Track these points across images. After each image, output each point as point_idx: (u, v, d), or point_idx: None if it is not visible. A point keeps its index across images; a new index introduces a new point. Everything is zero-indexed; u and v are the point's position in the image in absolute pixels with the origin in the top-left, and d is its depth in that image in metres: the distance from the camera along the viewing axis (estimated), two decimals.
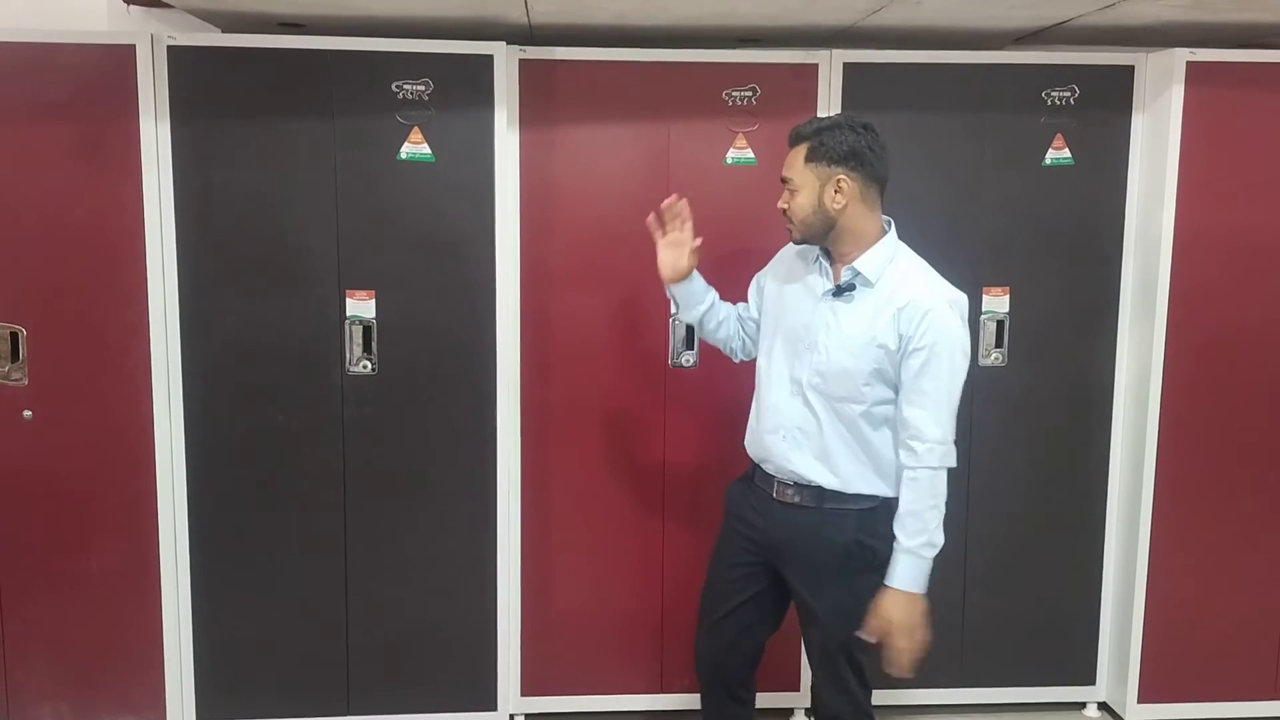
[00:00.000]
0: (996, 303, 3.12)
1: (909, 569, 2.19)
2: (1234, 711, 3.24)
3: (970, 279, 3.10)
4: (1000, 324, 3.12)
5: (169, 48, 2.80)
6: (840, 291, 2.26)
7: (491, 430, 3.01)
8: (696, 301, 2.50)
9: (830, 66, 3.00)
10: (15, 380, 2.89)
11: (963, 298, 2.26)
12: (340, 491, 3.01)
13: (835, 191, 2.22)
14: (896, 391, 2.23)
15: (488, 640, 3.09)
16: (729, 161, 3.02)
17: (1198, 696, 3.23)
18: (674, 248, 2.45)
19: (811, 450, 2.28)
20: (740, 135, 3.02)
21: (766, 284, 2.50)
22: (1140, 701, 3.20)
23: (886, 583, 2.20)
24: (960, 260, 3.09)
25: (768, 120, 3.01)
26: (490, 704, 3.11)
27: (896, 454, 2.24)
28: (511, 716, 3.18)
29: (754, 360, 2.51)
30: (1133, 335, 3.14)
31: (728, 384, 3.05)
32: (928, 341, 2.16)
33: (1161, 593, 3.14)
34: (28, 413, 2.89)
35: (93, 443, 2.93)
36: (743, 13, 2.82)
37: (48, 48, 2.78)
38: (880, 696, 3.24)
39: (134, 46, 2.78)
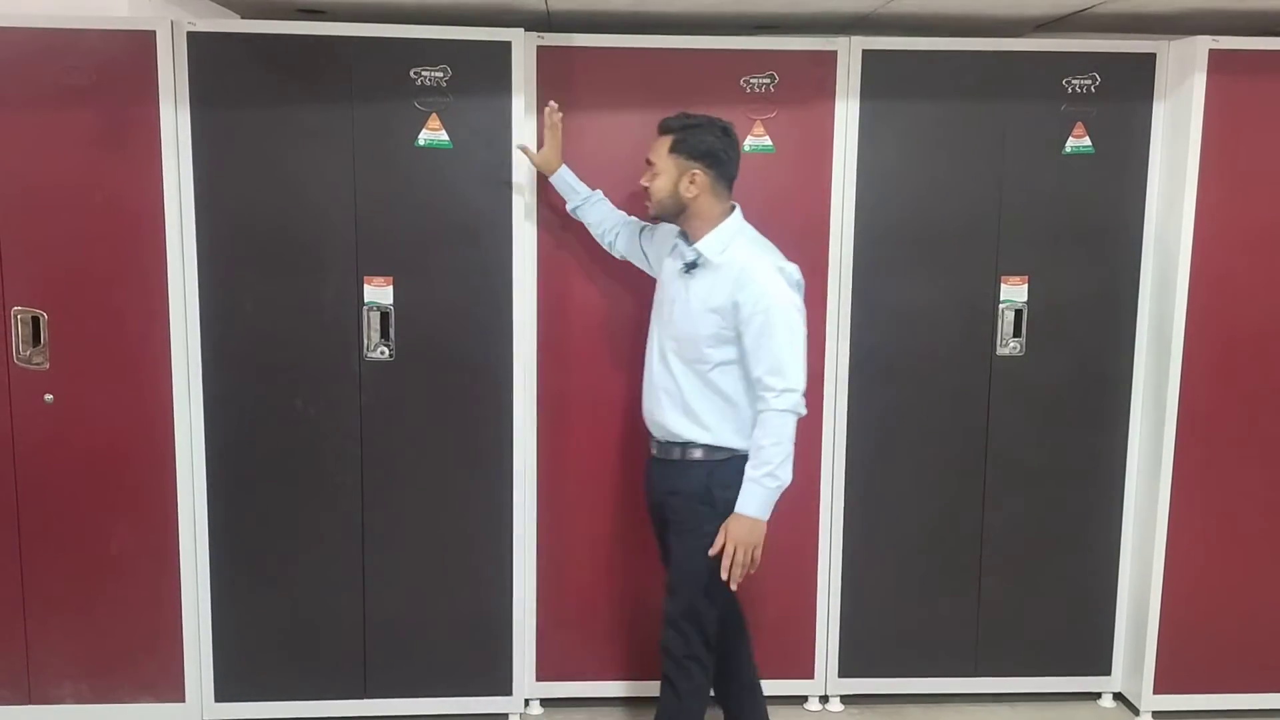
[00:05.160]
0: (1015, 291, 3.11)
1: (752, 495, 2.48)
2: (1249, 703, 3.23)
3: (988, 267, 3.10)
4: (1018, 313, 3.11)
5: (189, 33, 2.82)
6: (689, 268, 2.56)
7: (508, 416, 3.02)
8: (565, 193, 2.93)
9: (849, 54, 2.99)
10: (37, 364, 2.91)
11: (793, 267, 2.56)
12: (358, 476, 3.03)
13: (690, 182, 2.53)
14: (740, 351, 2.51)
15: (503, 624, 3.10)
16: (747, 149, 3.00)
17: (1213, 688, 3.22)
18: (549, 147, 2.90)
19: (677, 407, 2.57)
20: (758, 123, 3.02)
21: (653, 255, 2.83)
22: (1156, 692, 3.19)
23: (736, 508, 2.49)
24: (978, 248, 3.10)
25: (786, 108, 3.00)
26: (505, 688, 3.13)
27: (752, 405, 2.54)
28: (527, 701, 3.19)
29: (625, 260, 2.94)
30: (1152, 325, 3.13)
31: None
32: (762, 306, 2.45)
33: (1178, 583, 3.13)
34: (49, 396, 2.92)
35: (113, 427, 2.95)
36: None
37: (69, 33, 2.79)
38: (896, 685, 3.28)
39: (154, 32, 2.80)
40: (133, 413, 2.95)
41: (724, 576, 2.49)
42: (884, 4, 2.88)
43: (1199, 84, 2.93)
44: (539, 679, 3.20)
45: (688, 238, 2.62)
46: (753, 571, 2.51)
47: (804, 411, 2.50)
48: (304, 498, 3.03)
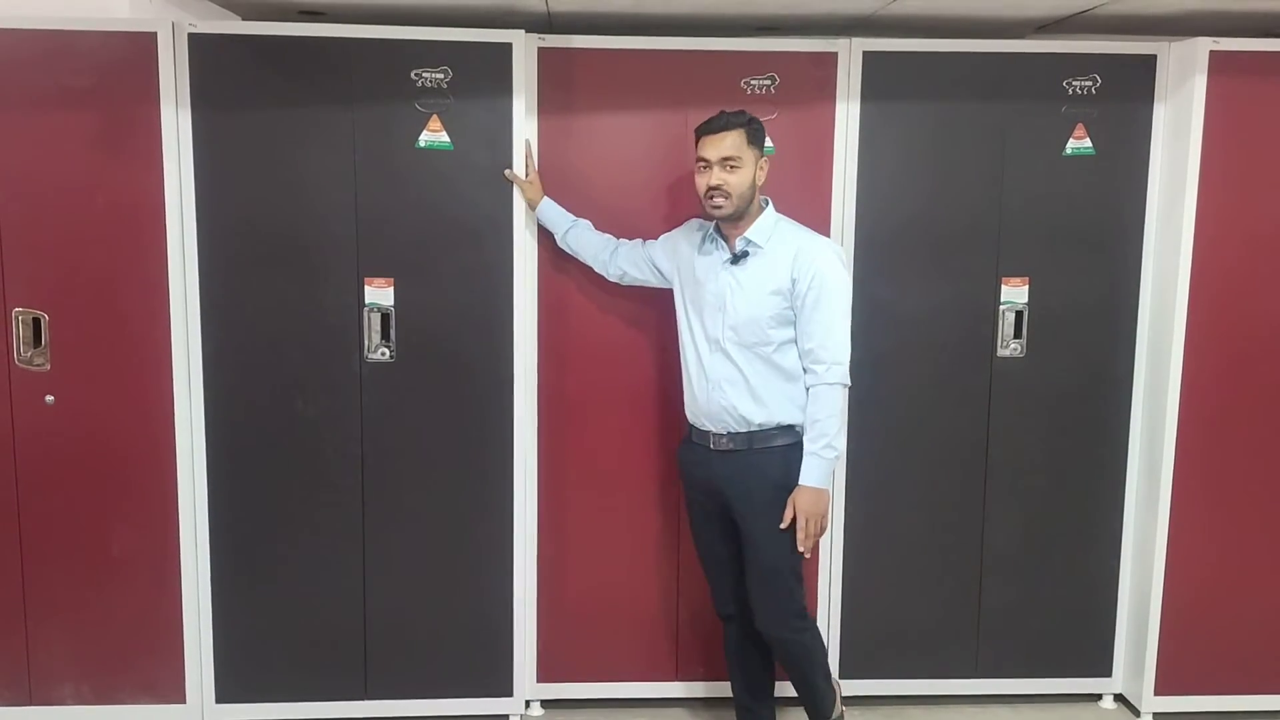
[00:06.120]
0: (1015, 293, 3.11)
1: (814, 468, 2.62)
2: (1251, 705, 3.23)
3: (989, 269, 3.10)
4: (1019, 314, 3.11)
5: (190, 35, 2.82)
6: (738, 259, 2.66)
7: (509, 417, 3.02)
8: (551, 225, 2.98)
9: (850, 55, 2.99)
10: (38, 365, 2.91)
11: (840, 247, 2.81)
12: (358, 477, 3.03)
13: (760, 170, 2.64)
14: (795, 328, 2.64)
15: (504, 626, 3.10)
16: None
17: (1214, 689, 3.21)
18: (529, 187, 2.96)
19: (745, 392, 2.65)
20: None
21: (668, 264, 2.87)
22: (1157, 694, 3.19)
23: (799, 481, 2.62)
24: (979, 250, 3.10)
25: (787, 109, 3.00)
26: (506, 689, 3.13)
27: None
28: (527, 702, 3.20)
29: (624, 282, 2.98)
30: (1153, 326, 3.13)
31: None
32: (818, 283, 2.58)
33: (1179, 584, 3.13)
34: (50, 398, 2.92)
35: (114, 428, 2.95)
36: (762, 0, 2.81)
37: (70, 35, 2.80)
38: (897, 687, 3.28)
39: (155, 34, 2.80)
40: (133, 414, 2.95)
41: (800, 548, 2.62)
42: (885, 5, 2.88)
43: (1200, 85, 2.93)
44: (540, 680, 3.20)
45: (723, 232, 2.69)
46: (820, 537, 2.67)
47: (850, 383, 2.63)
48: (304, 498, 3.03)
